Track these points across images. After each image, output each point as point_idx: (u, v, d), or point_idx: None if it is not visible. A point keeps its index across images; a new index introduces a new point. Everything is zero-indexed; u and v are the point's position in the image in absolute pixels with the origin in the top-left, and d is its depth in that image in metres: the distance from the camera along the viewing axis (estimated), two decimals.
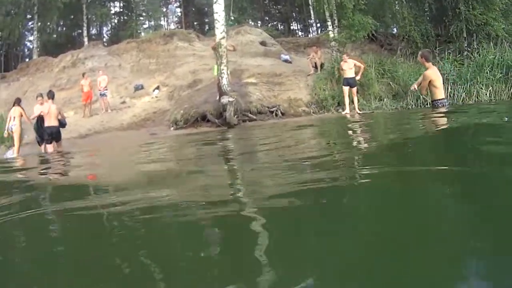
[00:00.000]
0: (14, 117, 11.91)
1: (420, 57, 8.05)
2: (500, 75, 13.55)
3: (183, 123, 13.04)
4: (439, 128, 5.27)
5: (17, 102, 12.34)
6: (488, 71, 13.76)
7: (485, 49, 15.39)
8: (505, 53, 14.34)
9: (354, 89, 12.77)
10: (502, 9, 17.15)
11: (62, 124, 11.25)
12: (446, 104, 8.10)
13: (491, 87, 13.36)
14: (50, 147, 10.88)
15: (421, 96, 13.33)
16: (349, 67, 12.73)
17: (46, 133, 10.97)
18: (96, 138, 13.73)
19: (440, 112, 6.97)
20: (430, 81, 7.59)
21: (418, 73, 14.23)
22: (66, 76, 20.69)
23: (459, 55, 16.15)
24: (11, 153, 12.29)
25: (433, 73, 7.70)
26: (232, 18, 10.31)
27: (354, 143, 4.89)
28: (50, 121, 10.89)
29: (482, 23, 17.49)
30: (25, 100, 19.12)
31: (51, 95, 11.22)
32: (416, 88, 8.16)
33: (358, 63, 12.77)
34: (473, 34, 18.12)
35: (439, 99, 7.76)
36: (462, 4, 18.22)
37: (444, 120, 6.29)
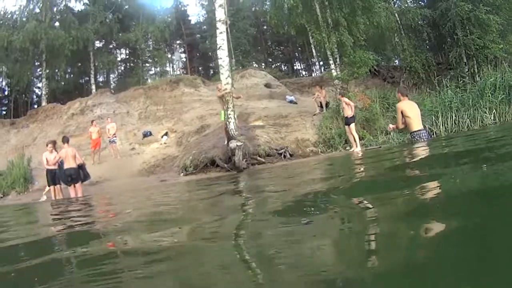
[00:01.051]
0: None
1: (397, 92, 8.31)
2: (503, 97, 13.61)
3: (193, 168, 13.13)
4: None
5: (66, 140, 12.30)
6: (490, 94, 13.83)
7: (485, 72, 15.56)
8: (506, 74, 14.44)
9: (351, 126, 12.66)
10: (498, 30, 17.35)
11: (84, 172, 11.82)
12: (424, 135, 7.90)
13: (494, 110, 13.36)
14: (72, 191, 11.35)
15: (426, 127, 13.41)
16: (343, 107, 12.90)
17: (65, 175, 11.48)
18: (107, 185, 13.82)
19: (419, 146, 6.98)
20: (402, 113, 7.68)
21: (422, 104, 14.40)
22: (75, 123, 21.00)
23: (461, 81, 16.26)
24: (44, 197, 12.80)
25: (404, 104, 7.80)
26: (234, 61, 10.53)
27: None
28: (69, 163, 11.42)
29: (480, 47, 17.73)
30: (35, 146, 19.50)
31: (66, 140, 11.97)
32: (391, 127, 8.42)
33: (348, 102, 12.73)
34: (473, 58, 18.37)
35: (415, 131, 7.76)
36: (460, 30, 18.51)
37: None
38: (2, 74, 31.49)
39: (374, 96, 15.10)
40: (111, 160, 16.61)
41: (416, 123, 7.81)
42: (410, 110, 7.81)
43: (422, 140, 7.75)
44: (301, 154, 13.61)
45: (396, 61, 24.30)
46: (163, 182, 12.56)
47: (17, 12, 29.91)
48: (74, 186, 11.46)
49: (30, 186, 15.65)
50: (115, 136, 16.84)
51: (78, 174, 11.60)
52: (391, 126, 8.49)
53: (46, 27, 27.24)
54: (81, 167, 11.74)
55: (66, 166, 11.45)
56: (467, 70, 18.42)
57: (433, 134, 13.26)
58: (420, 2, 23.97)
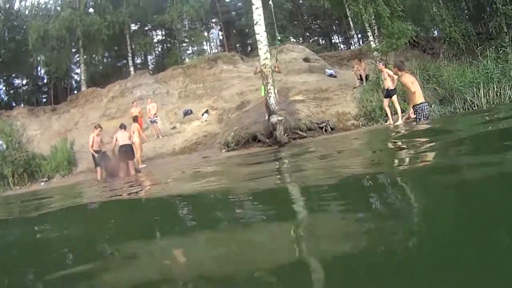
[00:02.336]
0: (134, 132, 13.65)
1: (393, 67, 8.84)
2: None
3: (234, 144, 13.27)
4: None
5: (134, 119, 14.32)
6: None
7: None
8: None
9: (394, 98, 12.37)
10: None
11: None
12: (426, 108, 8.32)
13: None
14: (131, 168, 12.16)
15: (468, 99, 13.15)
16: (384, 78, 12.52)
17: (121, 152, 12.21)
18: (150, 163, 14.13)
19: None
20: (407, 87, 8.08)
21: (463, 75, 14.08)
22: (115, 106, 21.41)
23: (502, 51, 15.76)
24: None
25: (409, 78, 8.21)
26: (279, 38, 10.35)
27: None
28: (124, 140, 12.39)
29: None
30: (77, 130, 20.01)
31: (123, 127, 12.97)
32: (411, 115, 8.55)
33: (390, 73, 12.46)
34: None
35: (419, 104, 8.15)
36: None
37: None
38: (40, 63, 32.19)
39: (414, 68, 14.75)
40: (153, 140, 16.90)
41: (419, 96, 8.21)
42: (414, 83, 8.17)
43: (424, 113, 8.15)
44: (342, 127, 13.52)
45: (435, 31, 23.65)
46: (206, 159, 12.75)
47: (51, 1, 30.53)
48: (127, 164, 12.16)
49: (74, 169, 16.15)
50: (156, 116, 17.09)
51: (132, 151, 12.48)
52: (411, 114, 8.58)
53: (81, 14, 27.54)
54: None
55: (122, 143, 12.27)
56: (508, 40, 17.82)
57: (474, 106, 13.03)
58: None
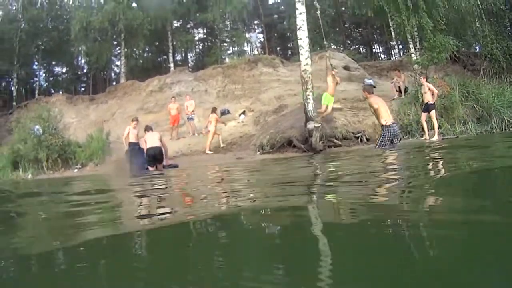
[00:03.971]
0: (210, 121, 14.85)
1: (363, 91, 9.54)
2: None
3: (269, 147, 13.33)
4: None
5: (213, 110, 15.48)
6: None
7: None
8: None
9: (432, 113, 12.30)
10: None
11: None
12: (393, 128, 8.76)
13: None
14: (160, 167, 11.28)
15: (506, 119, 13.03)
16: (424, 91, 12.43)
17: (149, 155, 11.29)
18: (183, 160, 14.30)
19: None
20: (374, 107, 8.67)
21: (502, 94, 13.90)
22: (154, 100, 21.84)
23: None
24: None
25: (374, 100, 8.87)
26: (327, 45, 10.41)
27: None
28: (153, 143, 11.30)
29: None
30: (113, 121, 20.48)
31: (149, 129, 12.07)
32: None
33: (431, 87, 12.40)
34: None
35: (386, 125, 8.69)
36: None
37: None
38: (82, 53, 33.06)
39: (454, 84, 14.58)
40: (188, 137, 17.15)
41: (387, 117, 8.75)
42: (382, 104, 8.83)
43: (390, 133, 8.69)
44: (377, 139, 13.51)
45: (477, 47, 23.33)
46: (239, 160, 12.92)
47: None
48: (156, 167, 11.28)
49: (108, 158, 16.54)
50: (194, 113, 17.32)
51: (161, 155, 11.36)
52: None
53: (124, 8, 28.19)
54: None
55: (150, 145, 11.26)
56: None
57: None
58: None
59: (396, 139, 8.95)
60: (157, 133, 11.86)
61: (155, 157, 11.20)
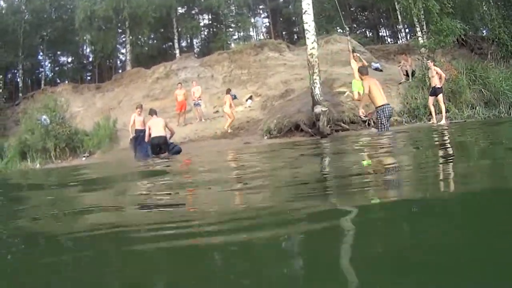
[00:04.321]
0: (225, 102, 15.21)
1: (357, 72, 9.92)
2: None
3: (277, 132, 13.41)
4: None
5: (227, 91, 15.71)
6: None
7: None
8: None
9: (439, 97, 12.30)
10: None
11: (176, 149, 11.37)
12: (388, 109, 8.88)
13: None
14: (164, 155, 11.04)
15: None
16: (432, 75, 12.44)
17: (153, 144, 11.03)
18: (190, 145, 14.37)
19: None
20: (369, 90, 8.74)
21: (510, 78, 13.87)
22: (160, 87, 21.84)
23: None
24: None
25: (368, 82, 8.94)
26: (347, 28, 10.16)
27: None
28: (158, 131, 11.02)
29: None
30: (120, 109, 20.54)
31: (153, 112, 11.72)
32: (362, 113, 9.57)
33: (439, 71, 12.37)
34: None
35: (380, 106, 8.78)
36: None
37: None
38: (86, 42, 33.02)
39: (461, 67, 14.53)
40: (195, 122, 17.19)
41: (380, 99, 8.83)
42: (373, 87, 8.84)
43: (385, 114, 8.76)
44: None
45: (484, 31, 23.15)
46: (247, 144, 12.97)
47: None
48: (161, 153, 11.09)
49: (115, 146, 16.64)
50: (200, 99, 17.29)
51: (167, 144, 11.17)
52: (361, 112, 9.58)
53: None
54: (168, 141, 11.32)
55: (154, 134, 11.01)
56: None
57: None
58: None
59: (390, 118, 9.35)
60: (161, 120, 11.45)
61: (159, 146, 11.02)
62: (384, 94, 9.29)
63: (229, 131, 15.29)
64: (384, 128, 8.85)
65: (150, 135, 11.10)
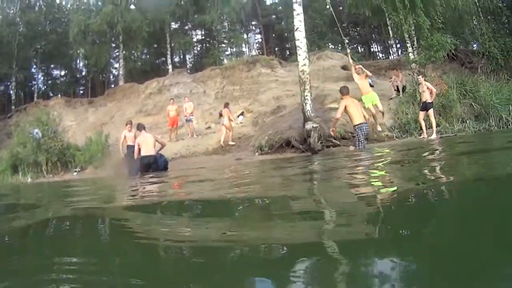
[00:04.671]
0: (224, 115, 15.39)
1: (339, 92, 10.25)
2: None
3: (268, 148, 13.37)
4: None
5: (225, 105, 15.87)
6: None
7: None
8: None
9: (430, 112, 12.33)
10: None
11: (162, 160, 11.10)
12: (365, 127, 9.53)
13: None
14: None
15: (504, 117, 13.10)
16: (422, 90, 12.47)
17: (143, 164, 10.75)
18: (182, 161, 14.31)
19: None
20: (346, 108, 9.49)
21: (500, 92, 13.97)
22: (152, 102, 21.90)
23: None
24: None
25: (346, 101, 9.57)
26: (347, 41, 9.92)
27: None
28: (148, 150, 10.82)
29: None
30: (112, 124, 20.51)
31: (141, 127, 11.50)
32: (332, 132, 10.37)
33: (430, 86, 12.45)
34: None
35: (357, 124, 9.48)
36: None
37: None
38: (80, 56, 33.09)
39: (451, 82, 14.64)
40: (187, 138, 17.17)
41: (357, 117, 9.48)
42: (353, 109, 9.51)
43: (363, 132, 9.44)
44: (376, 138, 13.43)
45: (475, 45, 23.37)
46: (238, 161, 12.95)
47: None
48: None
49: (107, 162, 16.57)
50: (192, 115, 17.36)
51: (157, 162, 10.87)
52: (332, 131, 10.59)
53: (123, 10, 28.28)
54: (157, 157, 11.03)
55: (144, 153, 10.80)
56: None
57: (510, 124, 12.96)
58: None
59: (366, 139, 9.92)
60: (151, 137, 11.35)
61: (150, 165, 10.74)
62: (361, 113, 9.82)
63: (230, 143, 15.47)
64: (361, 145, 9.42)
65: (139, 151, 10.94)
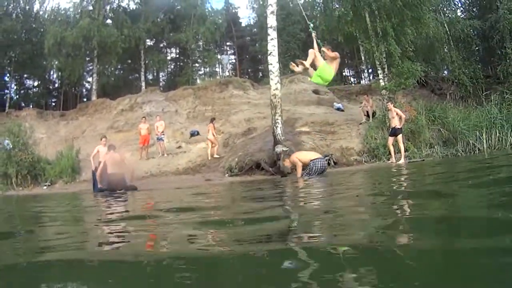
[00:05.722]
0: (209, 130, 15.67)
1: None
2: None
3: (238, 170, 13.36)
4: None
5: (211, 120, 16.25)
6: None
7: None
8: None
9: (399, 137, 12.52)
10: None
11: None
12: (320, 162, 10.09)
13: None
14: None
15: (470, 142, 13.35)
16: (392, 116, 12.65)
17: (110, 182, 10.59)
18: (153, 181, 14.24)
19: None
20: (300, 160, 10.26)
21: (468, 118, 14.26)
22: (124, 119, 21.73)
23: (508, 97, 15.96)
24: None
25: (297, 155, 10.60)
26: (311, 24, 9.33)
27: None
28: (114, 168, 10.76)
29: None
30: (83, 139, 20.25)
31: (112, 148, 11.52)
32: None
33: (399, 112, 12.66)
34: None
35: (312, 160, 10.08)
36: (508, 43, 18.27)
37: None
38: (54, 67, 32.70)
39: (421, 108, 14.92)
40: (158, 157, 17.08)
41: (311, 156, 10.34)
42: (303, 154, 10.76)
43: (316, 167, 9.94)
44: (345, 162, 13.57)
45: (445, 71, 23.99)
46: (208, 182, 12.86)
47: (70, 9, 31.26)
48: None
49: (77, 177, 16.32)
50: (163, 134, 17.30)
51: (124, 181, 10.70)
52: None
53: (99, 25, 28.35)
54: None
55: (110, 170, 10.75)
56: None
57: (476, 150, 13.19)
58: (471, 12, 23.73)
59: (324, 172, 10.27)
60: (118, 156, 11.27)
61: (118, 182, 10.53)
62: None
63: (215, 156, 15.78)
64: (309, 175, 9.97)
65: (104, 169, 10.92)
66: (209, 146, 15.86)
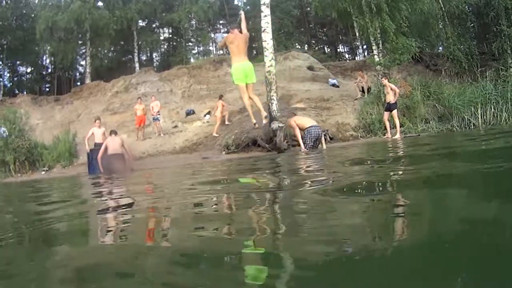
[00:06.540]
0: (217, 107, 16.00)
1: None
2: None
3: (234, 147, 13.40)
4: None
5: (220, 97, 16.48)
6: None
7: None
8: None
9: (394, 112, 12.64)
10: None
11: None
12: (314, 130, 10.75)
13: None
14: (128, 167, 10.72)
15: (465, 118, 13.44)
16: (387, 92, 12.74)
17: (108, 161, 10.73)
18: (149, 161, 14.26)
19: None
20: (298, 125, 11.02)
21: (463, 94, 14.32)
22: (119, 101, 21.65)
23: (503, 73, 15.99)
24: None
25: (296, 119, 11.30)
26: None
27: None
28: (115, 149, 10.91)
29: None
30: (79, 122, 20.18)
31: (113, 133, 11.56)
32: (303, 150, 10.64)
33: (393, 87, 12.70)
34: None
35: (306, 128, 10.79)
36: (504, 20, 18.22)
37: None
38: (46, 53, 32.47)
39: (416, 84, 14.96)
40: (154, 137, 17.10)
41: (307, 123, 10.98)
42: (301, 119, 11.25)
43: (311, 135, 10.61)
44: (341, 138, 13.68)
45: (440, 48, 23.92)
46: (205, 159, 12.90)
47: None
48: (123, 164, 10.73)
49: (75, 160, 16.33)
50: (159, 114, 17.30)
51: (123, 162, 10.82)
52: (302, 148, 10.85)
53: (91, 8, 28.06)
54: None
55: (111, 151, 10.86)
56: (510, 61, 18.11)
57: (472, 125, 13.27)
58: None
59: (318, 141, 10.84)
60: (118, 139, 11.28)
61: (116, 164, 10.58)
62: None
63: (214, 134, 15.72)
64: (308, 147, 10.60)
65: (105, 151, 10.94)
66: (217, 123, 15.96)
